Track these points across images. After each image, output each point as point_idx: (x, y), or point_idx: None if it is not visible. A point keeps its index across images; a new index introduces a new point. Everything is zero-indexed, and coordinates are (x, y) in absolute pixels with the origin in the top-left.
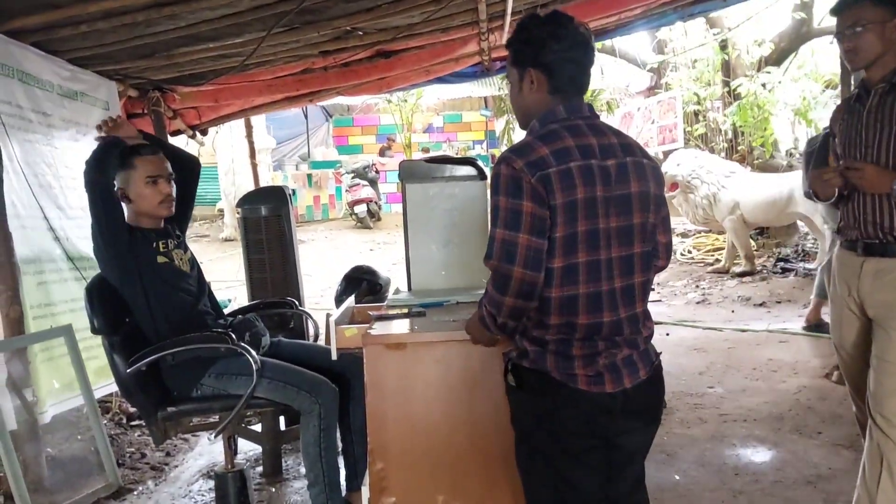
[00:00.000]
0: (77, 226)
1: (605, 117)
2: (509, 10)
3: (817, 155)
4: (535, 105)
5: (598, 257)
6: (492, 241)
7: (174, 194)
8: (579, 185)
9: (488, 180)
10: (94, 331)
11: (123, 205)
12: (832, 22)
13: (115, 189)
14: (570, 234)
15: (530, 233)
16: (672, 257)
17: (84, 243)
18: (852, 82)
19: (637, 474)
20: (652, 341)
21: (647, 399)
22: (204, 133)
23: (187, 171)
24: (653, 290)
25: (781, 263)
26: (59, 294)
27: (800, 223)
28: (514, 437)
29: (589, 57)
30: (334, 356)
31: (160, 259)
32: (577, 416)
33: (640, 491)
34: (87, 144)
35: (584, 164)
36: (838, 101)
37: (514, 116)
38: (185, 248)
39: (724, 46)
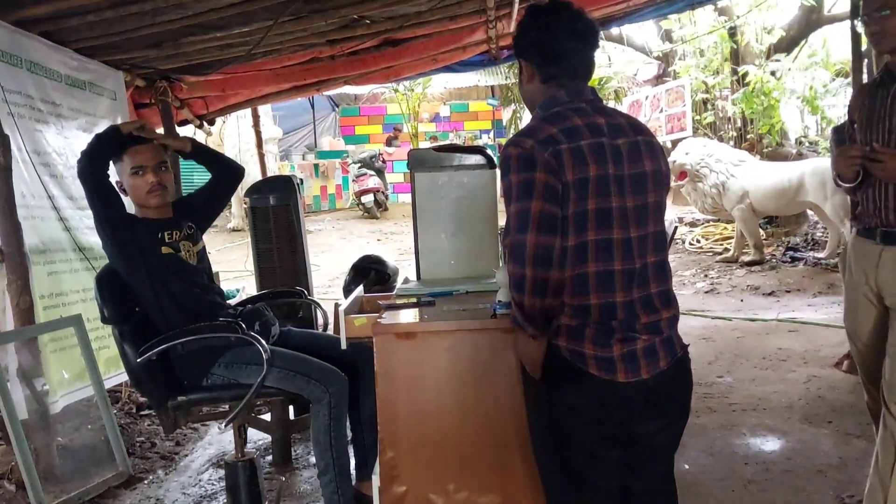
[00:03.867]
0: (87, 216)
1: (612, 106)
2: None
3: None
4: (533, 94)
5: (610, 236)
6: (507, 220)
7: (166, 184)
8: (591, 163)
9: (497, 169)
10: (105, 320)
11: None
12: (843, 9)
13: (116, 181)
14: (581, 212)
15: (543, 199)
16: (680, 246)
17: (94, 233)
18: (864, 70)
19: (664, 471)
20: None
21: (672, 393)
22: (211, 123)
23: (228, 175)
24: None
25: (791, 252)
26: (70, 284)
27: (809, 212)
28: (524, 425)
29: (586, 43)
30: (344, 345)
31: (164, 250)
32: (590, 404)
33: (668, 488)
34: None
35: (595, 142)
36: (850, 90)
37: (521, 105)
38: (196, 241)
39: (732, 34)
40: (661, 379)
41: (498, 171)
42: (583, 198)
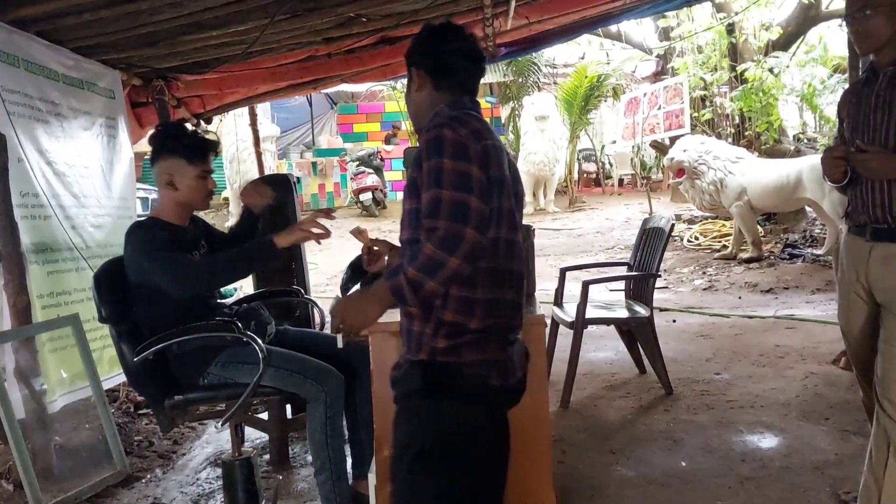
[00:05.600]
0: (91, 213)
1: (610, 103)
2: None
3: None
4: (423, 102)
5: (514, 237)
6: (435, 202)
7: None
8: (501, 164)
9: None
10: (102, 319)
11: (159, 193)
12: (841, 5)
13: (164, 175)
14: (498, 209)
15: (480, 196)
16: (679, 244)
17: (96, 232)
18: (861, 66)
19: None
20: (653, 327)
21: (523, 388)
22: (208, 121)
23: (252, 229)
24: (659, 276)
25: (789, 249)
26: (71, 283)
27: (808, 209)
28: (521, 423)
29: (476, 66)
30: (340, 344)
31: None
32: (488, 416)
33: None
34: (96, 134)
35: (498, 145)
36: (846, 86)
37: (519, 103)
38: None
39: (730, 30)
40: (525, 376)
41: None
42: (500, 194)
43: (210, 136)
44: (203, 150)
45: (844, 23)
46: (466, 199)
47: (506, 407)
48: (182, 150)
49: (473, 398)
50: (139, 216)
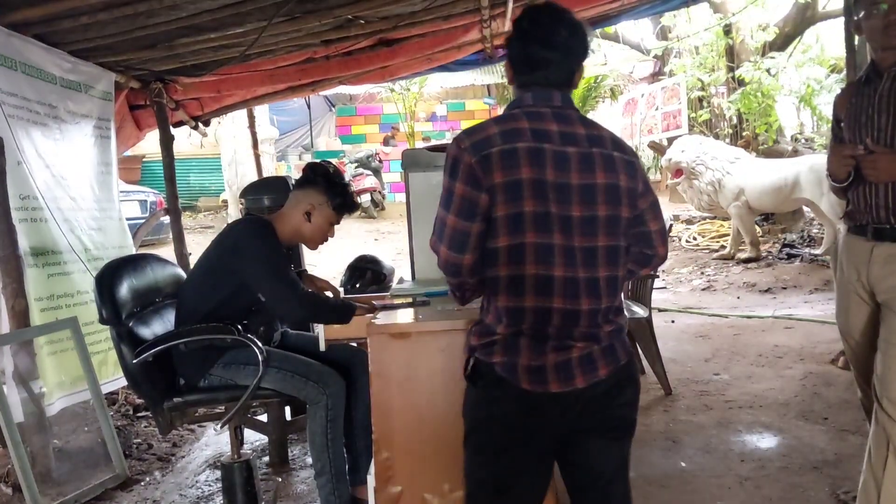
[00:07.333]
0: (90, 217)
1: (608, 104)
2: None
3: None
4: (515, 96)
5: (550, 241)
6: (435, 218)
7: None
8: (524, 166)
9: None
10: (103, 321)
11: (289, 214)
12: (837, 5)
13: (307, 203)
14: (516, 214)
15: (458, 214)
16: (677, 244)
17: (95, 234)
18: (856, 65)
19: (619, 494)
20: (651, 328)
21: (611, 402)
22: (206, 124)
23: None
24: (657, 277)
25: (787, 249)
26: (74, 286)
27: (805, 209)
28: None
29: (566, 53)
30: (322, 347)
31: None
32: (517, 415)
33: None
34: (92, 136)
35: (534, 146)
36: (844, 85)
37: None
38: None
39: (727, 31)
40: (598, 385)
41: None
42: (516, 199)
43: (357, 201)
44: (348, 208)
45: (877, 11)
46: (445, 217)
47: (555, 413)
48: (334, 194)
49: (504, 396)
50: (138, 218)
